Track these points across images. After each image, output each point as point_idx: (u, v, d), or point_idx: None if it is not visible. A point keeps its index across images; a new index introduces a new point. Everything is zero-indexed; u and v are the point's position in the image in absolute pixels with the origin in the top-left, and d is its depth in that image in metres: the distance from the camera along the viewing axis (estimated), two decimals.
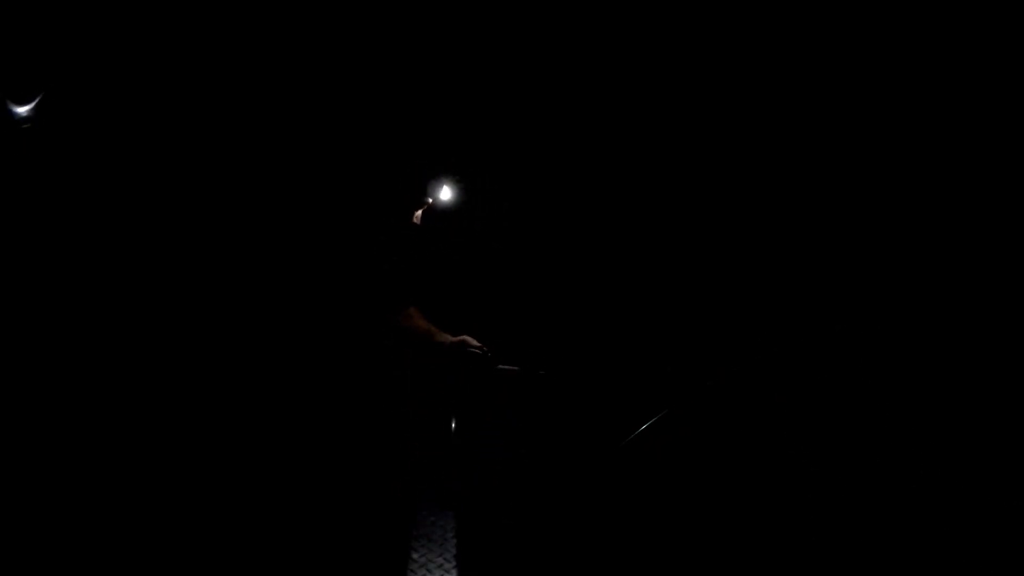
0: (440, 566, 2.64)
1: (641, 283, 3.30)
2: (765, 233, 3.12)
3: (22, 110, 2.59)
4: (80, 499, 2.52)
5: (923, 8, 2.76)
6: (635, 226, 3.39)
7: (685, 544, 2.46)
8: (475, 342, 2.58)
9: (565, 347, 3.16)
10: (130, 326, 2.87)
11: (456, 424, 2.91)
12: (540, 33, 3.36)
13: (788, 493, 2.48)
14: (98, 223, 2.84)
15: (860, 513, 2.39)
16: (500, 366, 2.62)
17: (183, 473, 2.70)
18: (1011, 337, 2.49)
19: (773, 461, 2.52)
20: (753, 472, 2.51)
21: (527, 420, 2.96)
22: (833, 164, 3.00)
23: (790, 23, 3.04)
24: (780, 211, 3.10)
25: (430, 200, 2.95)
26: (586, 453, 2.75)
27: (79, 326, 2.75)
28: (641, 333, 3.19)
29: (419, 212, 2.95)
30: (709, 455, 2.55)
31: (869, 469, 2.45)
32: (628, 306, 3.29)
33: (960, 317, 2.60)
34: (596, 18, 3.34)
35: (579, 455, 2.78)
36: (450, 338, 2.60)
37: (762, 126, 3.15)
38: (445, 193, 3.02)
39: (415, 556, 2.68)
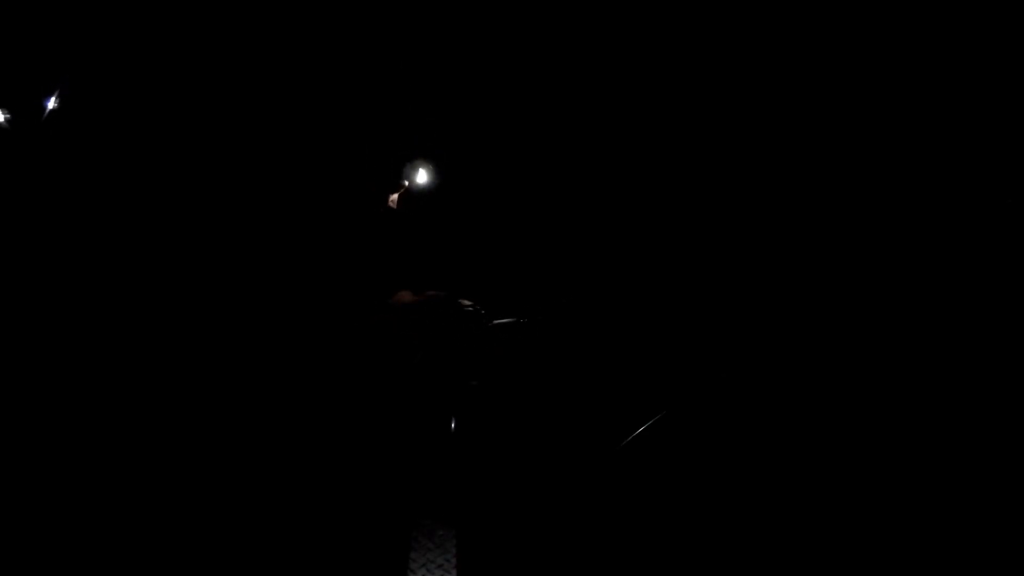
0: (440, 566, 2.65)
1: (641, 282, 3.25)
2: (765, 232, 3.10)
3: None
4: (79, 499, 2.55)
5: (923, 8, 2.78)
6: (636, 225, 3.32)
7: (686, 545, 2.46)
8: (467, 301, 2.61)
9: (565, 347, 3.10)
10: (120, 322, 2.89)
11: (456, 424, 2.89)
12: (517, 14, 3.28)
13: (788, 493, 2.48)
14: (83, 220, 2.87)
15: (861, 513, 2.39)
16: (495, 321, 2.63)
17: (180, 473, 2.71)
18: (1010, 337, 2.50)
19: (773, 462, 2.52)
20: (753, 473, 2.51)
21: (528, 419, 2.92)
22: (833, 164, 2.98)
23: (789, 23, 3.02)
24: (780, 210, 3.09)
25: (406, 183, 2.82)
26: (586, 453, 2.73)
27: (73, 326, 2.79)
28: (641, 332, 3.13)
29: (395, 196, 2.83)
30: (709, 455, 2.55)
31: (870, 469, 2.46)
32: (629, 305, 3.22)
33: (960, 316, 2.61)
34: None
35: (579, 455, 2.75)
36: (440, 294, 2.63)
37: (764, 125, 3.12)
38: (421, 176, 2.85)
39: (415, 556, 2.68)
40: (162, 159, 3.02)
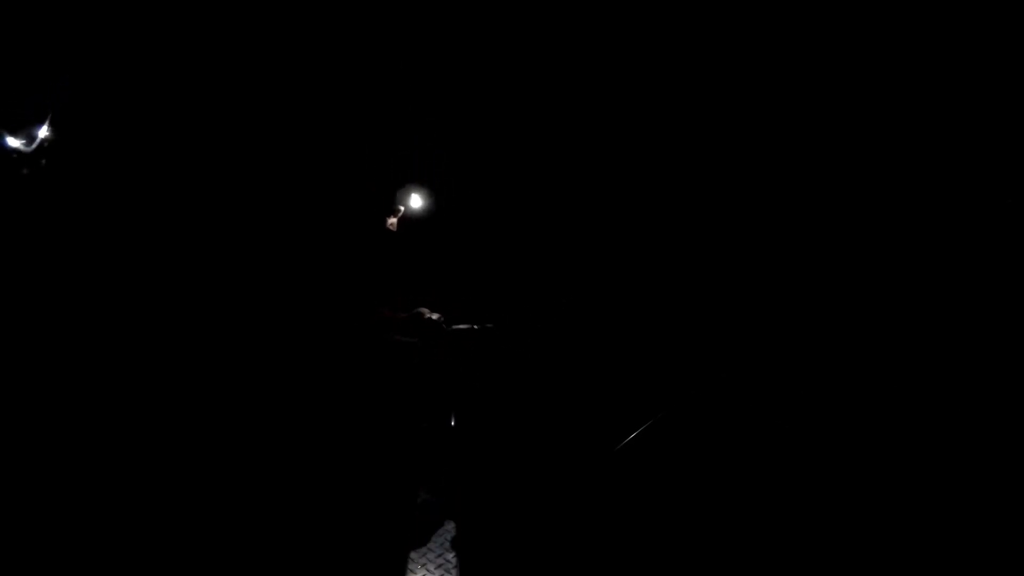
0: (440, 566, 2.69)
1: (641, 285, 3.28)
2: (765, 233, 3.10)
3: (16, 143, 2.67)
4: (81, 499, 2.61)
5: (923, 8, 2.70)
6: (636, 228, 3.36)
7: (684, 544, 2.47)
8: (428, 311, 2.84)
9: (566, 348, 3.18)
10: (130, 327, 2.98)
11: (455, 424, 2.98)
12: (515, 37, 3.30)
13: (788, 493, 2.48)
14: (93, 225, 2.96)
15: (861, 513, 2.39)
16: (454, 327, 2.87)
17: (182, 472, 2.77)
18: (1009, 338, 2.45)
19: (773, 462, 2.52)
20: (753, 474, 2.51)
21: (528, 421, 3.00)
22: (834, 165, 2.96)
23: (789, 23, 2.97)
24: (780, 211, 3.07)
25: (402, 208, 2.99)
26: (585, 453, 2.76)
27: (75, 327, 2.86)
28: (641, 334, 3.18)
29: (393, 220, 3.00)
30: (709, 456, 2.56)
31: (870, 469, 2.45)
32: (629, 307, 3.27)
33: (959, 316, 2.57)
34: (571, 21, 3.26)
35: (578, 455, 2.79)
36: (404, 315, 2.84)
37: (763, 126, 3.10)
38: (416, 201, 3.04)
39: (415, 556, 2.73)
40: (175, 188, 3.13)
